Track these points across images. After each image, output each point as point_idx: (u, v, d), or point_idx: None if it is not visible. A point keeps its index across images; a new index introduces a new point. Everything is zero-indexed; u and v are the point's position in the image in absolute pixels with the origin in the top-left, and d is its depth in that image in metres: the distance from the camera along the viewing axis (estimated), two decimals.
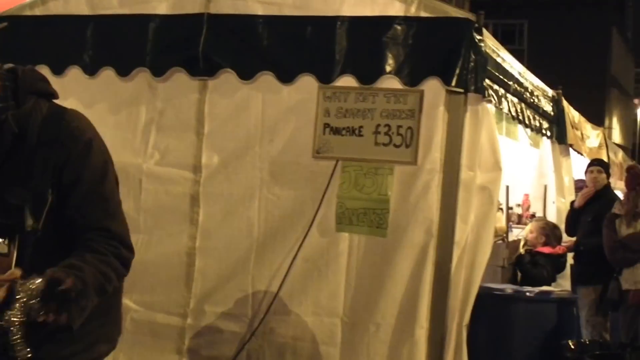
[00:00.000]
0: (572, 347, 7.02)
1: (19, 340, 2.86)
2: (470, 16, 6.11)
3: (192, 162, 6.66)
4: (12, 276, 2.94)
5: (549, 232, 9.10)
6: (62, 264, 3.07)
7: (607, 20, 49.60)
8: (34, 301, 2.86)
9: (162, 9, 6.78)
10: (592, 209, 9.21)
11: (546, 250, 8.89)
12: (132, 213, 6.61)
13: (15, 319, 2.85)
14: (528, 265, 8.71)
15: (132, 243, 3.42)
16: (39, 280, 2.88)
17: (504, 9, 43.31)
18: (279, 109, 6.47)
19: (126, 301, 6.56)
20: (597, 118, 25.01)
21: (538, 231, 9.12)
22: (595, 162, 9.88)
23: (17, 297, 2.85)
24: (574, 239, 9.37)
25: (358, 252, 6.22)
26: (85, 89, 6.83)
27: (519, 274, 8.87)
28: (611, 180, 11.02)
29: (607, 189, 9.57)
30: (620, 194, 10.60)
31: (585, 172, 9.79)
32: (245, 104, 6.56)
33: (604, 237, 8.67)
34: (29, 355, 2.89)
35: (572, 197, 9.87)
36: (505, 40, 40.02)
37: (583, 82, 40.43)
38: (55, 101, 3.44)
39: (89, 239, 3.24)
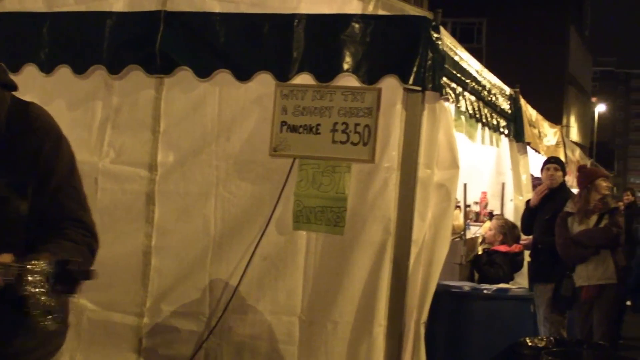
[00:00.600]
0: (530, 344, 7.04)
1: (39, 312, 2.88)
2: (428, 14, 6.11)
3: (148, 160, 6.61)
4: (3, 259, 2.92)
5: (507, 231, 9.15)
6: (43, 249, 3.06)
7: (565, 19, 50.03)
8: (48, 281, 2.86)
9: (119, 6, 6.73)
10: (549, 207, 9.25)
11: (503, 248, 8.94)
12: None
13: (42, 297, 2.85)
14: (485, 266, 8.76)
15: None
16: (43, 261, 2.88)
17: (462, 7, 43.49)
18: (236, 107, 6.45)
19: (82, 300, 6.55)
20: (555, 116, 25.19)
21: (496, 229, 9.18)
22: (552, 160, 9.94)
23: (32, 278, 2.84)
24: (530, 237, 9.42)
25: (316, 251, 6.21)
26: (41, 87, 6.76)
27: (477, 274, 8.92)
28: (568, 178, 11.10)
29: (563, 187, 9.62)
30: (576, 192, 10.68)
31: (542, 170, 9.84)
32: (202, 101, 6.53)
33: (557, 235, 8.76)
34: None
35: (530, 195, 9.91)
36: (464, 39, 40.34)
37: (541, 81, 40.78)
38: None
39: (64, 228, 3.27)
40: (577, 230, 8.67)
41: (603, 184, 8.93)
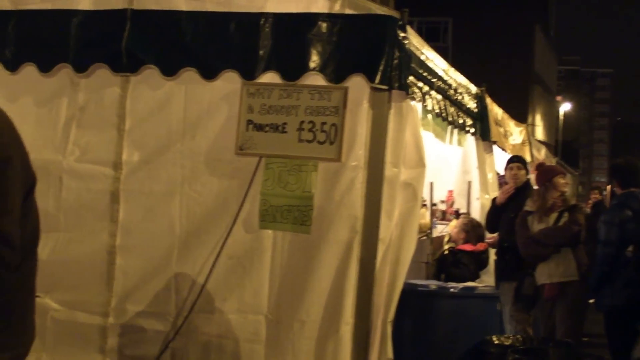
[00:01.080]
0: (496, 342, 7.08)
1: None
2: (394, 13, 6.13)
3: (113, 158, 6.58)
4: None
5: (470, 229, 9.20)
6: None
7: (530, 18, 50.39)
8: None
9: (85, 4, 6.70)
10: (514, 206, 9.29)
11: (468, 247, 8.98)
12: (53, 211, 6.57)
13: None
14: (451, 267, 8.79)
15: (19, 244, 3.25)
16: None
17: (428, 7, 43.65)
18: (202, 106, 6.44)
19: (47, 300, 6.51)
20: (520, 115, 25.30)
21: (459, 227, 9.22)
22: (515, 159, 9.96)
23: None
24: (495, 235, 9.45)
25: (282, 249, 6.21)
26: (6, 85, 6.73)
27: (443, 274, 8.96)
28: (532, 176, 11.14)
29: (528, 186, 9.66)
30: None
31: (505, 169, 9.89)
32: (168, 100, 6.51)
33: (517, 234, 8.78)
34: None
35: (496, 194, 9.95)
36: (430, 38, 40.42)
37: (507, 80, 41.03)
38: None
39: None
40: (537, 229, 8.72)
41: (561, 181, 8.97)
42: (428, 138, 7.75)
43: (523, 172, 9.60)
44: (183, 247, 6.43)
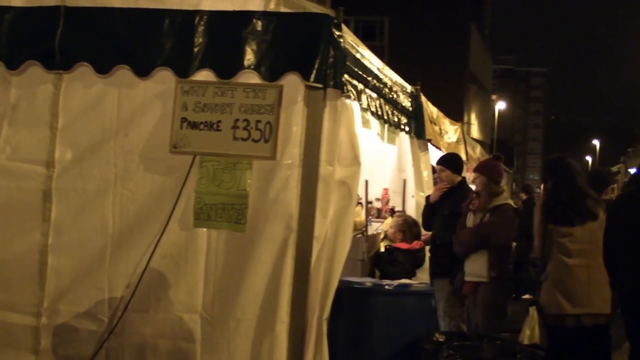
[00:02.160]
0: (431, 338, 7.13)
1: None
2: (329, 12, 6.14)
3: (45, 157, 6.51)
4: None
5: (406, 229, 9.25)
6: None
7: (465, 17, 50.79)
8: None
9: (18, 1, 6.63)
10: (447, 204, 9.39)
11: (403, 246, 9.03)
12: None
13: None
14: (386, 265, 8.84)
15: None
16: None
17: (365, 6, 43.77)
18: (136, 103, 6.39)
19: None
20: (456, 113, 25.55)
21: (395, 227, 9.27)
22: (438, 161, 10.02)
23: None
24: (429, 232, 9.53)
25: (217, 248, 6.19)
26: None
27: (378, 272, 9.01)
28: (468, 175, 11.25)
29: (462, 184, 9.75)
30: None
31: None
32: (101, 98, 6.45)
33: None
34: None
35: (431, 191, 10.02)
36: (366, 37, 40.69)
37: (442, 78, 41.33)
38: None
39: None
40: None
41: (475, 180, 9.15)
42: (364, 136, 7.77)
43: (446, 172, 9.66)
44: (116, 246, 6.38)
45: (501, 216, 8.83)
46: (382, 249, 9.29)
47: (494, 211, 8.85)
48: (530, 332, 7.61)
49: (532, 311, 7.67)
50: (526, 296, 8.90)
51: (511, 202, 9.04)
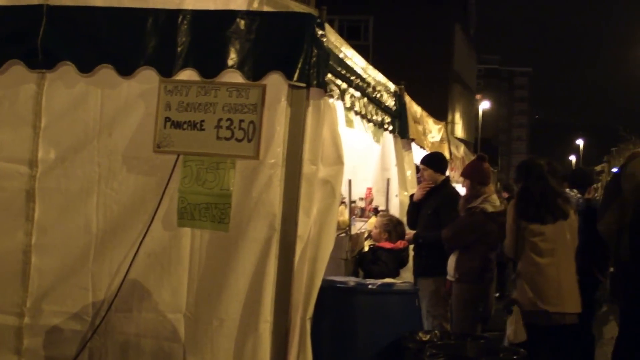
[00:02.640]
0: (414, 337, 7.13)
1: None
2: (313, 11, 6.14)
3: (28, 156, 6.49)
4: None
5: (392, 228, 9.23)
6: None
7: (450, 17, 50.86)
8: None
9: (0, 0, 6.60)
10: (431, 203, 9.40)
11: (387, 245, 9.03)
12: None
13: None
14: (370, 264, 8.85)
15: None
16: None
17: (349, 5, 43.80)
18: (119, 103, 6.39)
19: None
20: (440, 113, 25.57)
21: (381, 227, 9.25)
22: (421, 161, 10.05)
23: None
24: (411, 232, 9.53)
25: (201, 247, 6.19)
26: None
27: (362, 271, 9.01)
28: (452, 174, 11.26)
29: (446, 183, 9.76)
30: (459, 187, 10.87)
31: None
32: (84, 97, 6.44)
33: None
34: None
35: (414, 190, 10.03)
36: (351, 36, 40.72)
37: (427, 78, 41.32)
38: None
39: None
40: None
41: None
42: (347, 135, 7.78)
43: (429, 172, 9.68)
44: (100, 246, 6.37)
45: (467, 219, 8.90)
46: (366, 249, 9.29)
47: (465, 213, 8.95)
48: (514, 329, 7.69)
49: (516, 309, 7.76)
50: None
51: (489, 205, 8.99)
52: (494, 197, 9.22)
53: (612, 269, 9.29)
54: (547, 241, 7.80)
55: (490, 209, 8.90)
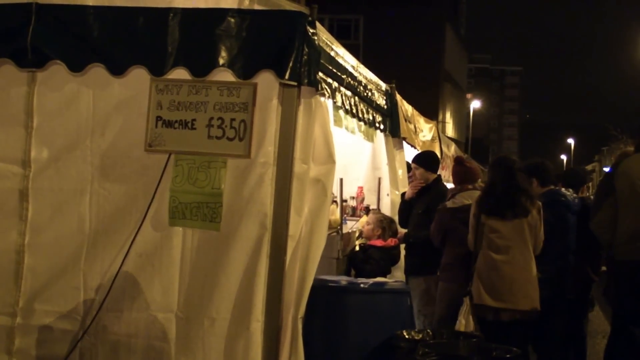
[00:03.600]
0: (406, 337, 7.13)
1: None
2: (304, 10, 6.13)
3: (21, 156, 6.48)
4: None
5: (386, 225, 9.23)
6: None
7: (441, 16, 50.95)
8: None
9: None
10: (422, 202, 9.39)
11: (379, 243, 9.03)
12: None
13: None
14: (360, 263, 8.84)
15: None
16: None
17: (340, 4, 43.82)
18: (110, 102, 6.37)
19: None
20: (431, 112, 25.61)
21: (375, 223, 9.23)
22: (413, 160, 10.03)
23: None
24: (405, 230, 9.53)
25: (192, 247, 6.19)
26: None
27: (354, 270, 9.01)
28: (443, 172, 11.26)
29: (438, 182, 9.74)
30: (450, 186, 10.85)
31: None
32: (76, 96, 6.43)
33: None
34: None
35: (406, 189, 10.03)
36: (341, 35, 40.73)
37: (417, 77, 41.42)
38: None
39: None
40: None
41: None
42: (338, 134, 7.78)
43: (420, 170, 9.66)
44: (92, 246, 6.37)
45: (435, 217, 8.86)
46: (357, 248, 9.29)
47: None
48: (465, 321, 7.78)
49: (466, 300, 7.83)
50: None
51: (451, 202, 8.92)
52: (471, 192, 9.05)
53: (604, 268, 9.31)
54: (503, 238, 7.90)
55: (450, 205, 8.84)
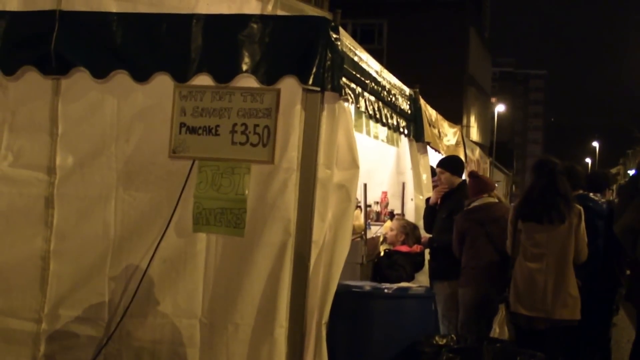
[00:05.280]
0: (430, 342, 7.12)
1: None
2: (327, 15, 6.12)
3: (47, 163, 6.51)
4: None
5: (409, 231, 9.21)
6: None
7: (465, 20, 50.82)
8: None
9: (13, 5, 6.62)
10: (447, 206, 9.37)
11: (404, 249, 9.00)
12: None
13: None
14: (387, 269, 8.80)
15: None
16: None
17: (363, 9, 43.81)
18: (135, 108, 6.39)
19: None
20: (455, 116, 25.54)
21: (398, 229, 9.22)
22: (438, 164, 10.01)
23: None
24: (428, 235, 9.51)
25: (216, 252, 6.19)
26: None
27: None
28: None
29: (462, 186, 9.69)
30: None
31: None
32: (100, 103, 6.45)
33: None
34: None
35: (430, 194, 10.00)
36: (365, 40, 40.71)
37: (442, 81, 41.34)
38: None
39: None
40: None
41: None
42: (362, 139, 7.77)
43: (445, 175, 9.63)
44: (117, 252, 6.38)
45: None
46: (382, 254, 9.27)
47: None
48: (499, 329, 7.73)
49: (502, 309, 7.78)
50: None
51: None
52: (486, 199, 9.07)
53: (628, 272, 9.25)
54: (537, 246, 7.79)
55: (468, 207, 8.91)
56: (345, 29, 6.45)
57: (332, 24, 6.09)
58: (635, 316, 8.68)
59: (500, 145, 67.23)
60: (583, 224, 7.91)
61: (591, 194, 9.31)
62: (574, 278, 7.82)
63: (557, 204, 7.80)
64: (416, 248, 9.10)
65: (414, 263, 9.09)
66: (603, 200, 9.44)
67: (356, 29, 45.37)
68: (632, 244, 8.13)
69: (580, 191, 9.19)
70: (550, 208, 7.77)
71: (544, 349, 7.21)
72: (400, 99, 8.78)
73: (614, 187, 26.13)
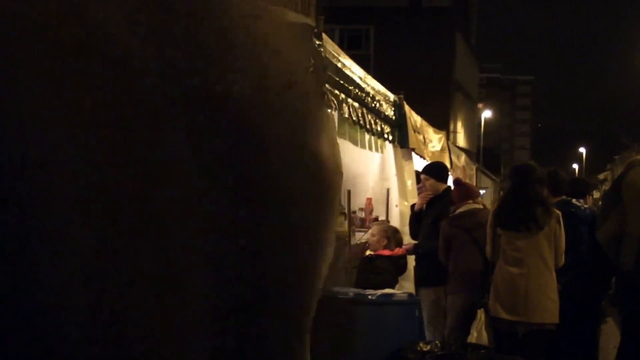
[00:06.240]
0: (414, 348, 7.10)
1: None
2: (309, 21, 6.10)
3: None
4: None
5: (391, 235, 9.19)
6: None
7: (451, 26, 50.86)
8: None
9: None
10: (432, 212, 9.36)
11: (386, 252, 8.99)
12: None
13: None
14: (371, 274, 8.79)
15: None
16: None
17: (350, 15, 43.82)
18: None
19: None
20: (441, 122, 25.54)
21: (380, 234, 9.20)
22: (422, 170, 10.01)
23: None
24: (413, 241, 9.50)
25: None
26: None
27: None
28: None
29: (447, 192, 9.69)
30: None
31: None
32: None
33: None
34: None
35: (415, 200, 10.00)
36: (352, 46, 40.73)
37: (428, 87, 41.37)
38: None
39: None
40: None
41: None
42: (345, 146, 7.76)
43: (430, 181, 9.62)
44: None
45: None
46: (365, 259, 9.26)
47: None
48: (477, 334, 7.73)
49: (480, 313, 7.78)
50: None
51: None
52: (470, 205, 9.10)
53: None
54: (518, 251, 7.78)
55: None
56: (332, 35, 6.47)
57: (315, 30, 6.07)
58: (620, 322, 8.69)
59: (487, 151, 67.34)
60: (562, 229, 7.92)
61: (574, 200, 9.32)
62: (555, 282, 7.83)
63: (534, 211, 7.78)
64: (398, 251, 9.09)
65: (398, 266, 9.09)
66: (586, 206, 9.45)
67: (344, 35, 45.38)
68: (614, 251, 8.14)
69: (564, 197, 9.19)
70: (527, 217, 7.76)
71: (524, 354, 7.21)
72: (384, 105, 8.78)
73: (594, 193, 26.18)
